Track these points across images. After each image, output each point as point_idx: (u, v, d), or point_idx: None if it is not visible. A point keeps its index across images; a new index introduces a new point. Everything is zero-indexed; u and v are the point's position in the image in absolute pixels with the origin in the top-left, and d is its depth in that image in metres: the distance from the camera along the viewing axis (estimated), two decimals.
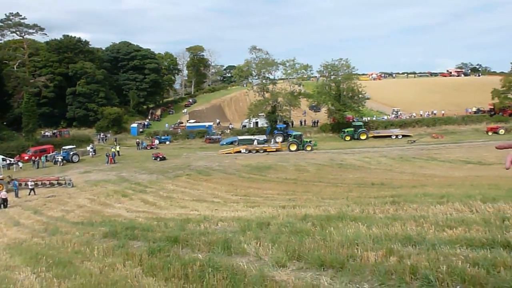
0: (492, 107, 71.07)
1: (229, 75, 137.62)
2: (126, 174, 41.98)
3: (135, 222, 13.55)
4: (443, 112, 73.79)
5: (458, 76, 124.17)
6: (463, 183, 25.35)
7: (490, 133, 64.06)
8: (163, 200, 28.67)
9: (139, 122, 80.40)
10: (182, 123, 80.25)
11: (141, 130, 76.80)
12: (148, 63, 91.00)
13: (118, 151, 55.70)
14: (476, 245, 5.35)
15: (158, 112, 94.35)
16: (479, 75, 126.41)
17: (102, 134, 72.36)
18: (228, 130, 73.00)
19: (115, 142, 64.37)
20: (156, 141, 67.42)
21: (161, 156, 51.88)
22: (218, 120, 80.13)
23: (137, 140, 67.12)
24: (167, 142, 68.96)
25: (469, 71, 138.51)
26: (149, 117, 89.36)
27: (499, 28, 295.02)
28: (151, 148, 63.16)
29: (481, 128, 66.98)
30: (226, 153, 56.43)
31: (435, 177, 33.48)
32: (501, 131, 63.88)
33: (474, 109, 74.16)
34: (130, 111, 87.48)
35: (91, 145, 61.43)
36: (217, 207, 21.70)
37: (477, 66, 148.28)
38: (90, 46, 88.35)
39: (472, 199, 9.98)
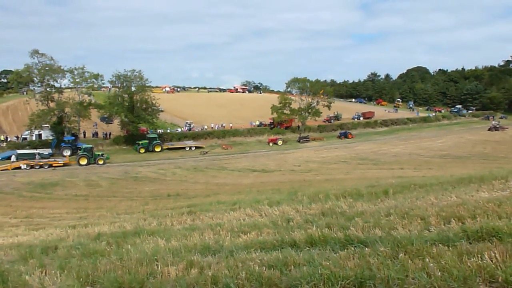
0: (272, 121, 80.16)
1: (5, 80, 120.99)
2: None
3: None
4: (231, 125, 79.60)
5: (243, 92, 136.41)
6: (251, 189, 27.71)
7: (271, 144, 72.05)
8: None
9: None
10: None
11: None
12: None
13: None
14: (268, 248, 5.73)
15: None
16: (260, 93, 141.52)
17: None
18: (4, 144, 63.72)
19: None
20: None
21: None
22: None
23: None
24: None
25: (252, 88, 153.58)
26: None
27: (273, 51, 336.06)
28: None
29: (264, 139, 74.82)
30: (1, 170, 49.12)
31: (226, 185, 35.76)
32: (280, 142, 72.59)
33: (257, 123, 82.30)
34: None
35: None
36: None
37: (259, 85, 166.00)
38: None
39: (261, 204, 10.85)
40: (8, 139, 65.53)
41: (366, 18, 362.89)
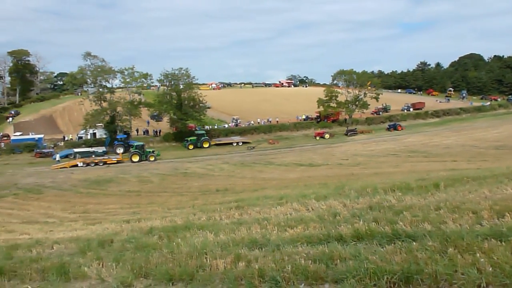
0: (318, 114, 79.46)
1: (61, 83, 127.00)
2: None
3: None
4: (277, 119, 79.60)
5: (288, 86, 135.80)
6: (298, 184, 27.66)
7: (317, 138, 71.47)
8: None
9: None
10: (6, 136, 70.75)
11: None
12: None
13: None
14: (314, 242, 5.76)
15: None
16: (306, 86, 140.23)
17: None
18: (62, 143, 67.10)
19: None
20: None
21: None
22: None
23: None
24: None
25: (298, 82, 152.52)
26: None
27: (318, 44, 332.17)
28: None
29: (310, 133, 74.32)
30: (60, 168, 51.79)
31: (273, 180, 35.88)
32: (327, 136, 71.84)
33: (304, 117, 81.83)
34: None
35: None
36: (51, 228, 19.73)
37: (304, 78, 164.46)
38: None
39: (307, 198, 10.84)
40: (66, 139, 68.93)
41: (414, 6, 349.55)
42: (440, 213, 6.62)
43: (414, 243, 4.97)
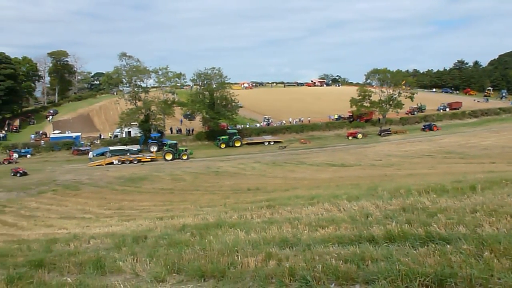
0: (351, 114, 78.49)
1: (97, 82, 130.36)
2: None
3: None
4: (309, 119, 79.12)
5: (321, 86, 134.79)
6: (329, 184, 27.42)
7: (350, 138, 70.64)
8: (25, 219, 25.97)
9: None
10: (45, 134, 73.43)
11: None
12: (2, 68, 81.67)
13: None
14: (346, 242, 5.74)
15: (17, 122, 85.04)
16: (339, 85, 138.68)
17: None
18: (98, 141, 69.00)
19: None
20: (15, 155, 60.70)
21: (21, 171, 46.83)
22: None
23: None
24: (28, 156, 62.47)
25: (330, 81, 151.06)
26: (6, 128, 79.98)
27: (350, 42, 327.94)
28: (9, 162, 56.62)
29: (342, 133, 73.52)
30: (96, 165, 53.25)
31: (304, 180, 35.71)
32: (359, 136, 70.90)
33: (336, 116, 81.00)
34: None
35: None
36: (88, 223, 20.34)
37: (337, 77, 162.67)
38: None
39: (339, 199, 10.77)
40: (102, 137, 70.83)
41: (450, 3, 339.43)
42: (476, 216, 6.46)
43: (448, 246, 4.88)
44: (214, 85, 70.59)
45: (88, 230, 15.09)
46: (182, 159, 55.92)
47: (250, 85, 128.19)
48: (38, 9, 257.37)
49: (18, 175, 46.19)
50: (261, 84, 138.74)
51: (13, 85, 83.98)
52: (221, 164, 51.06)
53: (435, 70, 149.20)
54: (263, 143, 67.69)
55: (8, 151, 62.84)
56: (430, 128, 75.59)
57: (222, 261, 5.45)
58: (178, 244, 7.15)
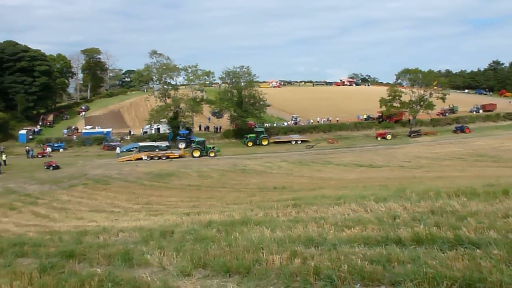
0: (380, 114, 77.34)
1: (128, 79, 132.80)
2: (13, 185, 38.34)
3: (24, 237, 12.36)
4: (337, 118, 78.44)
5: (350, 85, 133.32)
6: (357, 185, 27.12)
7: (379, 138, 69.67)
8: (57, 212, 26.73)
9: (29, 128, 73.80)
10: (77, 129, 75.41)
11: (30, 137, 70.59)
12: (38, 65, 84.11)
13: (4, 160, 50.78)
14: (372, 243, 5.69)
15: (50, 117, 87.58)
16: (368, 85, 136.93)
17: None
18: (128, 137, 70.35)
19: (1, 150, 58.25)
20: (49, 149, 62.59)
21: (54, 165, 48.24)
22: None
23: (27, 148, 61.63)
24: (61, 150, 64.32)
25: (360, 81, 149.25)
26: (40, 123, 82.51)
27: (381, 42, 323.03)
28: (43, 156, 58.41)
29: (371, 133, 72.56)
30: (126, 161, 54.29)
31: (331, 180, 35.44)
32: (388, 137, 69.81)
33: (365, 116, 79.99)
34: (18, 117, 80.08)
35: None
36: (117, 217, 20.78)
37: (366, 77, 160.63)
38: None
39: (366, 200, 10.65)
40: (132, 133, 72.16)
41: (486, 1, 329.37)
42: (508, 221, 6.29)
43: (478, 251, 4.79)
44: (242, 83, 70.83)
45: (117, 223, 15.43)
46: (210, 156, 56.36)
47: (279, 84, 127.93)
48: (72, 8, 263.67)
49: (51, 168, 47.59)
50: (289, 83, 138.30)
51: (48, 82, 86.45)
52: (248, 162, 51.19)
53: (468, 71, 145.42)
54: (290, 142, 67.51)
55: (42, 145, 64.86)
56: (462, 130, 73.82)
57: (247, 257, 5.50)
58: (204, 239, 7.24)
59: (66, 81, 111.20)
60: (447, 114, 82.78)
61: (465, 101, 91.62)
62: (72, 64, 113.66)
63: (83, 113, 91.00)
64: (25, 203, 30.78)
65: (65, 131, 74.14)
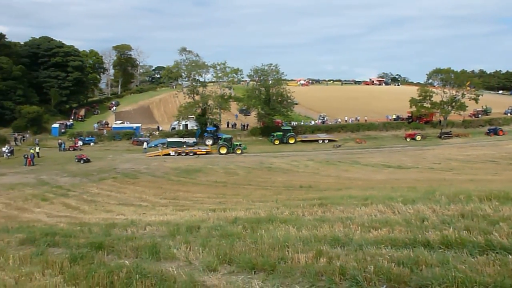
0: (410, 114, 75.89)
1: (158, 76, 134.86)
2: (46, 177, 39.53)
3: (55, 228, 12.71)
4: (365, 118, 77.41)
5: (379, 84, 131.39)
6: (384, 186, 26.70)
7: (408, 139, 68.39)
8: (87, 204, 27.33)
9: (61, 122, 75.97)
10: (107, 124, 77.10)
11: (63, 130, 72.66)
12: (71, 60, 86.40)
13: (37, 152, 52.39)
14: (399, 245, 5.61)
15: (82, 112, 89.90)
16: (398, 85, 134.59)
17: (19, 134, 67.46)
18: (157, 132, 71.40)
19: (36, 143, 60.13)
20: (80, 143, 64.25)
21: (85, 158, 49.50)
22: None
23: (59, 141, 63.44)
24: (92, 144, 65.97)
25: (390, 80, 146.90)
26: (72, 117, 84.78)
27: (412, 40, 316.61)
28: (74, 149, 59.97)
29: (400, 134, 71.31)
30: (154, 156, 55.13)
31: (358, 180, 35.03)
32: (418, 137, 68.46)
33: (394, 116, 78.66)
34: (51, 111, 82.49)
35: (7, 146, 57.03)
36: (144, 211, 21.09)
37: (397, 76, 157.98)
38: (6, 40, 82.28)
39: (394, 201, 10.48)
40: (160, 128, 73.21)
41: None
42: None
43: (510, 256, 4.66)
44: (270, 81, 70.85)
45: (145, 217, 15.67)
46: (236, 153, 56.61)
47: (307, 82, 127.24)
48: (105, 5, 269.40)
49: (82, 161, 48.85)
50: (317, 81, 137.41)
51: (80, 77, 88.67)
52: (274, 160, 51.15)
53: (504, 71, 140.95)
54: (317, 141, 67.08)
55: (73, 139, 66.60)
56: (495, 132, 71.66)
57: (273, 255, 5.51)
58: (230, 236, 7.29)
59: (98, 76, 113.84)
60: (479, 115, 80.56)
61: (499, 103, 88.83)
62: (103, 60, 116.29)
63: (114, 108, 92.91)
64: (56, 194, 31.63)
65: (96, 125, 75.92)
